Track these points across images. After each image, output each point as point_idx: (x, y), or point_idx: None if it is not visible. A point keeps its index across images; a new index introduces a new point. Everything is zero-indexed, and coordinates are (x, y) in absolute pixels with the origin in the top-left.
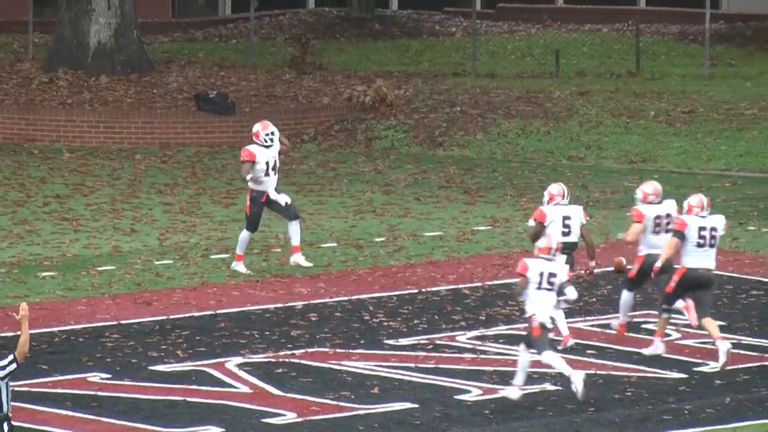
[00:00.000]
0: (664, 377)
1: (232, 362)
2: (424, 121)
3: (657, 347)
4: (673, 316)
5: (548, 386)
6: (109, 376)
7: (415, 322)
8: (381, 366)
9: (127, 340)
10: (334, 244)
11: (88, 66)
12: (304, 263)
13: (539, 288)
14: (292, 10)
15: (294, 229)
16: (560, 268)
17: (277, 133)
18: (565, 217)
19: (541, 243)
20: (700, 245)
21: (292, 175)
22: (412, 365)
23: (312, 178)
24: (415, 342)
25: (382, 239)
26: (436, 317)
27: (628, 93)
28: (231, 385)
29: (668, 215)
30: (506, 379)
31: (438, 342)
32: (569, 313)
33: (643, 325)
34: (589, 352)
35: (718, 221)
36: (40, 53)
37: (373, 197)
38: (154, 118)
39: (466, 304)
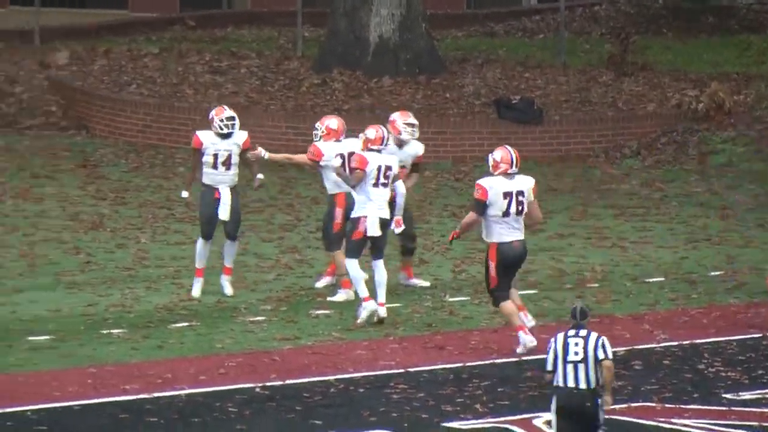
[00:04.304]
0: None
1: (541, 418)
2: None
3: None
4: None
5: None
6: None
7: (759, 372)
8: (718, 424)
9: (415, 392)
10: (662, 279)
11: (368, 65)
12: (228, 290)
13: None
14: (609, 0)
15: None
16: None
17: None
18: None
19: (371, 134)
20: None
21: (611, 197)
22: (756, 424)
23: (635, 200)
24: (760, 396)
25: (719, 273)
26: None
27: None
28: None
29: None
30: None
31: None
32: None
33: None
34: None
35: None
36: (310, 50)
37: (708, 223)
38: (446, 127)
39: None
